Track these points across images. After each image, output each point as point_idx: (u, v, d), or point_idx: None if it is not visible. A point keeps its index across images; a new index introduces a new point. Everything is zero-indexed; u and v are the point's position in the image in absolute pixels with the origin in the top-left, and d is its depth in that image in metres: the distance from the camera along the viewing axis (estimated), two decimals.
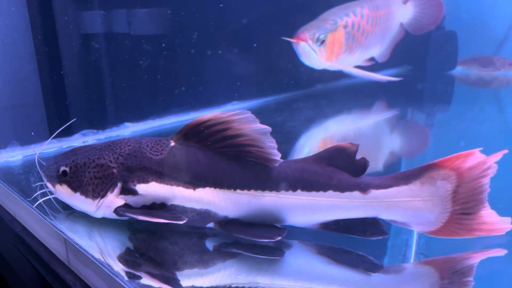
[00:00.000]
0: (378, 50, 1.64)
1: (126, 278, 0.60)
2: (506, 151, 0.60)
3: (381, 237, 0.65)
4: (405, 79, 2.01)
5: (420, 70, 2.04)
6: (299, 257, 0.68)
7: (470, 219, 0.61)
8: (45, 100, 1.17)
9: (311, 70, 1.70)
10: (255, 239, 0.65)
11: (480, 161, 0.60)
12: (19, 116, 1.14)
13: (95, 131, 1.23)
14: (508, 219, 0.61)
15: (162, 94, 1.38)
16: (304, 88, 1.74)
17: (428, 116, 1.61)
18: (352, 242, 0.69)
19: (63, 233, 0.71)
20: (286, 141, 1.19)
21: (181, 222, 0.66)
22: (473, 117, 1.46)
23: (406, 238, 0.70)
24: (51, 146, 1.14)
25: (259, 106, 1.56)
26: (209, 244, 0.69)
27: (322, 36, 1.41)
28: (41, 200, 0.79)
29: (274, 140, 0.65)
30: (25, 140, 1.12)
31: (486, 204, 0.62)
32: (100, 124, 1.25)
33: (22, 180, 0.97)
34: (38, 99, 1.16)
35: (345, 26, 1.46)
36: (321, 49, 1.42)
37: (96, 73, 1.25)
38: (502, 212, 0.62)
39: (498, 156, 0.60)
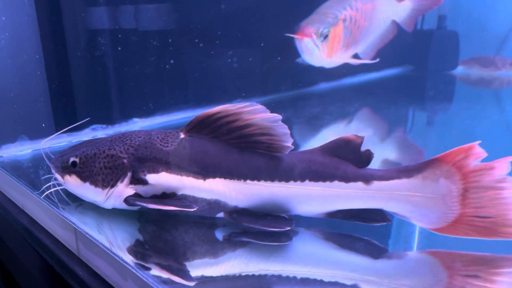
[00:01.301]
0: (362, 46, 1.56)
1: (136, 268, 0.61)
2: (511, 157, 0.59)
3: (384, 223, 0.67)
4: (407, 78, 2.03)
5: (422, 69, 2.05)
6: (307, 244, 0.69)
7: (490, 222, 0.61)
8: (52, 96, 1.18)
9: (315, 68, 1.71)
10: (265, 229, 0.66)
11: (487, 165, 0.60)
12: (28, 110, 1.14)
13: (104, 126, 1.24)
14: None
15: (170, 90, 1.39)
16: (308, 86, 1.75)
17: (429, 115, 1.62)
18: (357, 230, 0.71)
19: (73, 223, 0.72)
20: (292, 137, 1.19)
21: (191, 210, 0.67)
22: (474, 116, 1.47)
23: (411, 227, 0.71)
24: (61, 141, 1.16)
25: (264, 103, 1.56)
26: (219, 234, 0.70)
27: (325, 31, 1.35)
28: (49, 191, 0.80)
29: (286, 126, 0.66)
30: (34, 134, 1.13)
31: None
32: (109, 119, 1.26)
33: (31, 173, 0.98)
34: (45, 94, 1.17)
35: (344, 20, 1.40)
36: (323, 44, 1.36)
37: (104, 68, 1.26)
38: None
39: (503, 163, 0.59)
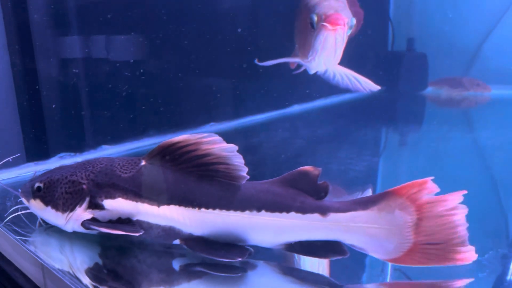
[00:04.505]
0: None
1: None
2: (465, 191, 0.62)
3: (340, 257, 0.67)
4: (378, 100, 2.08)
5: (393, 91, 2.10)
6: (263, 276, 0.70)
7: (439, 249, 0.63)
8: (22, 124, 1.18)
9: (288, 91, 1.73)
10: (217, 259, 0.67)
11: (441, 198, 0.62)
12: None
13: (72, 154, 1.24)
14: (471, 248, 0.62)
15: (139, 117, 1.40)
16: (281, 108, 1.77)
17: (401, 136, 1.65)
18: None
19: (40, 259, 0.72)
20: (263, 162, 1.21)
21: (137, 234, 0.69)
22: (444, 136, 1.51)
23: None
24: (29, 170, 1.15)
25: (236, 127, 1.58)
26: (176, 264, 0.71)
27: (353, 23, 1.02)
28: (14, 215, 0.85)
29: (241, 157, 0.68)
30: (2, 165, 1.11)
31: (461, 235, 0.62)
32: (78, 147, 1.27)
33: None
34: (15, 123, 1.17)
35: None
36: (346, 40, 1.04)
37: (73, 97, 1.26)
38: None
39: (457, 197, 0.62)
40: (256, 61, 1.19)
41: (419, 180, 0.63)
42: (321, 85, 1.66)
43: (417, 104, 2.06)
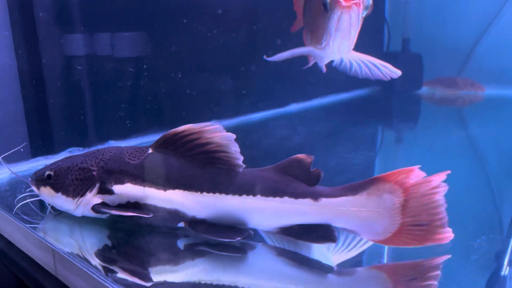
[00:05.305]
0: None
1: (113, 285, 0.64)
2: (449, 171, 0.66)
3: (330, 243, 0.71)
4: (374, 99, 2.11)
5: (389, 90, 2.13)
6: (261, 258, 0.74)
7: (422, 230, 0.67)
8: (28, 120, 1.21)
9: (286, 89, 1.76)
10: (217, 239, 0.71)
11: (426, 179, 0.66)
12: (4, 135, 1.16)
13: (81, 149, 1.28)
14: (449, 229, 0.67)
15: (145, 113, 1.43)
16: (279, 107, 1.81)
17: (397, 133, 1.69)
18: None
19: (50, 244, 0.75)
20: (262, 157, 1.24)
21: (147, 216, 0.74)
22: (438, 134, 1.54)
23: None
24: (39, 164, 1.19)
25: (236, 124, 1.62)
26: (181, 244, 0.76)
27: (369, 3, 0.96)
28: (24, 202, 0.89)
29: (237, 145, 0.73)
30: (11, 158, 1.14)
31: (442, 217, 0.66)
32: (86, 142, 1.31)
33: (8, 196, 0.99)
34: (21, 119, 1.20)
35: None
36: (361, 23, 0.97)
37: (81, 93, 1.30)
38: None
39: (441, 176, 0.66)
40: (264, 57, 1.15)
41: (407, 168, 0.67)
42: (318, 84, 1.70)
43: (412, 103, 2.09)
